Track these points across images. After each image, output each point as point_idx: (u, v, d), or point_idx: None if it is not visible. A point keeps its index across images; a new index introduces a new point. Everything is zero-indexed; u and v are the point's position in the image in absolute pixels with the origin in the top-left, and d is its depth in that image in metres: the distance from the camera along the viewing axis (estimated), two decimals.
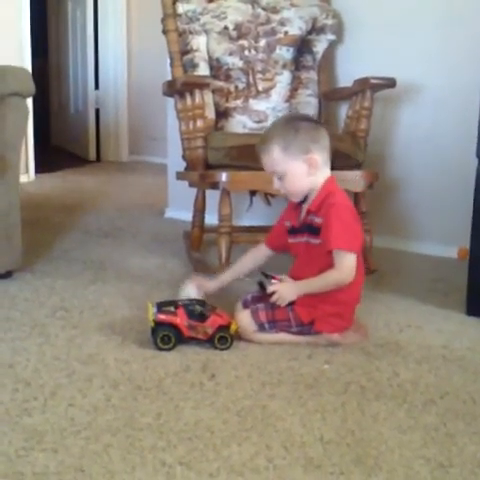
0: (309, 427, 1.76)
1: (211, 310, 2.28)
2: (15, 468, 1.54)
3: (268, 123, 3.23)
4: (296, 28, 3.30)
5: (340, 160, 2.81)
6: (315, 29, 3.34)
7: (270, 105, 3.28)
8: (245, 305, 2.38)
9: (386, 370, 2.11)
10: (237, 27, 3.27)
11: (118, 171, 6.07)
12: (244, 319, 2.28)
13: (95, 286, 2.83)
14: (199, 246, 3.23)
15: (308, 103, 3.35)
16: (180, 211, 3.97)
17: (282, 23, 3.29)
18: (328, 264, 2.20)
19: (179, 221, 3.88)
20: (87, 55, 6.21)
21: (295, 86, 3.35)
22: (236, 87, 3.27)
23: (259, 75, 3.29)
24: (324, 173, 2.26)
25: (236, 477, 1.54)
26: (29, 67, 4.79)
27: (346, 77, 3.35)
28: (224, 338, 2.24)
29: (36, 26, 5.24)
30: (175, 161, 3.59)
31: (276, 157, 2.22)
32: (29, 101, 2.99)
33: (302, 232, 2.30)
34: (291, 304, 2.25)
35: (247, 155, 2.80)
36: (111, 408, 1.83)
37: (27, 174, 5.17)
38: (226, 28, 3.26)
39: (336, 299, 2.24)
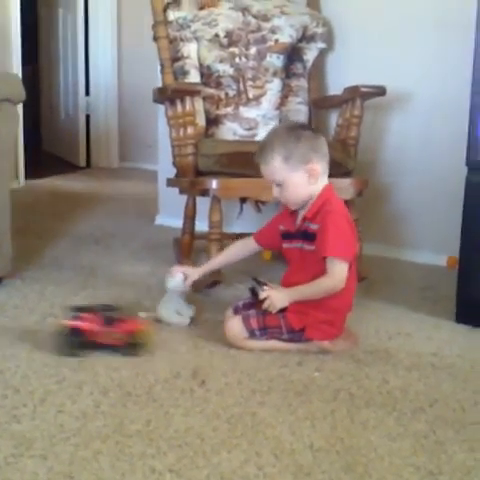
0: (299, 434, 1.76)
1: (123, 316, 2.26)
2: (4, 475, 1.54)
3: (258, 130, 3.25)
4: (287, 36, 3.31)
5: (330, 168, 2.81)
6: (305, 37, 3.35)
7: (260, 112, 3.29)
8: (236, 311, 2.38)
9: (376, 377, 2.12)
10: (228, 34, 3.28)
11: (108, 177, 6.06)
12: (235, 326, 2.28)
13: (85, 292, 2.82)
14: (189, 253, 3.22)
15: (298, 111, 3.35)
16: (170, 218, 3.97)
17: (273, 31, 3.30)
18: (321, 271, 2.20)
19: (169, 228, 3.87)
20: (78, 61, 6.21)
21: (285, 94, 3.36)
22: (227, 94, 3.28)
23: (250, 82, 3.29)
24: (323, 181, 2.27)
25: None
26: (19, 73, 4.78)
27: (336, 85, 3.35)
28: (135, 345, 2.22)
29: (27, 32, 5.24)
30: (166, 168, 3.59)
31: (277, 166, 2.22)
32: (19, 107, 2.98)
33: (297, 238, 2.30)
34: (282, 311, 2.25)
35: (237, 162, 2.81)
36: (101, 415, 1.83)
37: (17, 180, 5.16)
38: (217, 35, 3.27)
39: (328, 306, 2.24)
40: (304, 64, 3.38)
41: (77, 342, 2.18)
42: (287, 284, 2.31)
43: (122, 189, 5.49)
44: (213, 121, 3.25)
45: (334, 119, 3.31)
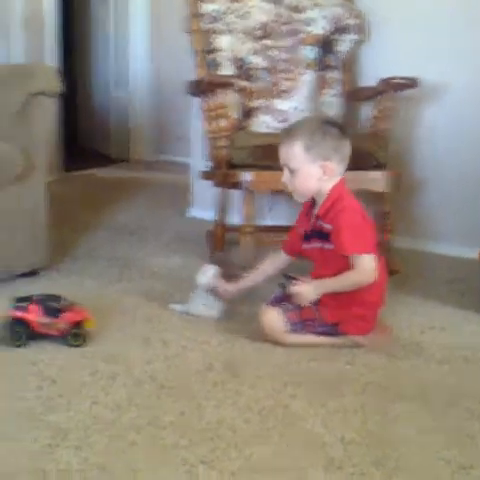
0: (330, 427, 1.77)
1: (67, 306, 2.26)
2: (39, 465, 1.57)
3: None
4: (320, 28, 3.30)
5: (363, 160, 2.82)
6: (339, 29, 3.34)
7: (294, 105, 3.28)
8: (272, 305, 2.38)
9: (407, 371, 2.12)
10: (261, 27, 3.28)
11: (143, 170, 6.09)
12: (275, 318, 2.27)
13: (119, 284, 2.85)
14: (222, 246, 3.24)
15: (331, 103, 3.35)
16: (203, 210, 3.98)
17: (306, 23, 3.29)
18: (345, 266, 2.20)
19: (202, 220, 3.89)
20: (113, 54, 6.24)
21: (319, 86, 3.35)
22: (260, 87, 3.28)
23: (283, 75, 3.29)
24: (334, 181, 2.27)
25: (257, 476, 1.56)
26: (55, 66, 4.81)
27: (370, 77, 3.34)
28: (77, 335, 2.22)
29: (62, 26, 5.27)
30: (198, 160, 3.60)
31: (296, 153, 2.22)
32: (56, 100, 3.01)
33: (314, 238, 2.31)
34: (317, 304, 2.26)
35: (271, 155, 2.80)
36: (134, 406, 1.85)
37: (53, 172, 5.21)
38: (250, 28, 3.27)
39: (362, 300, 2.24)
40: (337, 56, 3.36)
41: (19, 332, 2.20)
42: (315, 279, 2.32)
43: (156, 181, 5.51)
44: (246, 114, 3.25)
45: (367, 111, 3.29)
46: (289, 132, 2.28)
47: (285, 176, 2.28)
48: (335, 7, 3.34)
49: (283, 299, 2.34)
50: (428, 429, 1.78)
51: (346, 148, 2.26)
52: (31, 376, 2.01)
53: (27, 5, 4.63)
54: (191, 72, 3.45)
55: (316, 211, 2.28)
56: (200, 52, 3.26)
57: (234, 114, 3.14)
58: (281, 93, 3.27)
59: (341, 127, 2.29)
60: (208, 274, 2.51)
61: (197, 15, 3.25)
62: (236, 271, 2.63)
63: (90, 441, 1.68)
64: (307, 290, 2.24)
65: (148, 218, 4.12)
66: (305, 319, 2.27)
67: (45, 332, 2.22)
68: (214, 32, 3.25)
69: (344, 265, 2.21)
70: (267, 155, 2.83)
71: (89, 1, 6.39)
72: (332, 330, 2.27)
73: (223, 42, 3.26)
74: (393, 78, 3.00)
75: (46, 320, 2.21)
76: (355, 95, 3.42)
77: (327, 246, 2.25)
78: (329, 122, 2.33)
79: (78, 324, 2.22)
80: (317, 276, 2.31)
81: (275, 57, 3.28)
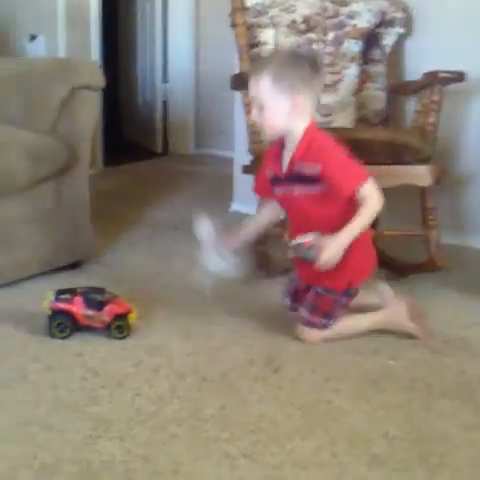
0: (374, 423, 1.75)
1: (110, 298, 2.26)
2: (83, 456, 1.58)
3: (335, 117, 3.22)
4: (365, 21, 3.27)
5: (408, 154, 2.79)
6: (384, 22, 3.31)
7: (337, 98, 3.26)
8: (292, 309, 2.36)
9: (452, 367, 2.10)
10: (305, 20, 3.26)
11: (185, 164, 6.10)
12: (311, 336, 2.24)
13: (162, 278, 2.86)
14: (264, 240, 3.22)
15: (376, 97, 3.32)
16: (246, 204, 3.97)
17: (351, 16, 3.27)
18: (337, 209, 2.15)
19: (245, 214, 3.88)
20: (155, 48, 6.26)
21: (363, 79, 3.32)
22: None
23: (326, 68, 3.26)
24: (306, 120, 2.17)
25: (299, 471, 1.55)
26: (99, 60, 4.85)
27: (415, 70, 3.30)
28: (121, 327, 2.23)
29: (106, 19, 5.30)
30: (241, 155, 3.60)
31: (264, 85, 2.12)
32: (99, 94, 3.03)
33: (290, 182, 2.21)
34: (321, 287, 2.22)
35: None
36: (177, 399, 1.86)
37: (96, 166, 5.24)
38: (294, 21, 3.25)
39: (355, 243, 2.15)
40: (382, 49, 3.33)
41: (63, 324, 2.22)
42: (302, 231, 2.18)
43: (198, 176, 5.52)
44: None
45: (412, 105, 3.26)
46: (258, 64, 2.21)
47: (254, 113, 2.18)
48: (381, 0, 3.31)
49: (297, 293, 2.32)
50: (472, 425, 1.76)
51: (318, 83, 2.19)
52: (75, 367, 2.02)
53: (73, 2, 4.67)
54: (234, 66, 3.45)
55: (291, 154, 2.19)
56: (244, 46, 3.25)
57: None
58: (325, 87, 3.25)
59: (314, 60, 2.19)
60: (205, 226, 2.35)
61: (241, 9, 3.24)
62: (279, 265, 2.61)
63: (132, 433, 1.69)
64: (331, 251, 2.09)
65: (188, 212, 4.12)
66: (327, 309, 2.23)
67: (89, 324, 2.24)
68: (258, 26, 3.24)
69: (339, 208, 2.14)
70: None
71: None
72: (352, 292, 2.25)
73: (267, 36, 3.24)
74: (438, 72, 2.96)
75: (90, 312, 2.23)
76: (399, 89, 3.38)
77: (310, 190, 2.16)
78: (301, 55, 2.23)
79: (121, 316, 2.23)
80: (304, 226, 2.18)
81: (319, 51, 3.26)
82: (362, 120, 3.26)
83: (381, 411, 1.82)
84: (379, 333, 2.28)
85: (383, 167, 2.74)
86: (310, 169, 2.14)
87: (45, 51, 4.58)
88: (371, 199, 2.11)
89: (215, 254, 2.33)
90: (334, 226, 2.11)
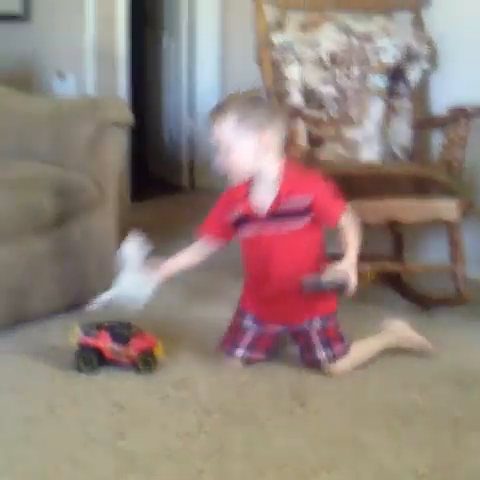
0: (402, 459, 1.74)
1: (136, 333, 2.26)
2: None
3: (361, 151, 3.23)
4: (390, 56, 3.29)
5: (434, 188, 2.79)
6: (409, 57, 3.32)
7: (363, 133, 3.27)
8: (248, 360, 2.30)
9: None
10: (331, 56, 3.28)
11: (211, 199, 6.13)
12: (340, 369, 2.23)
13: (187, 312, 2.85)
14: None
15: (401, 131, 3.32)
16: None
17: (376, 52, 3.29)
18: (318, 243, 2.22)
19: None
20: (182, 85, 6.32)
21: (388, 114, 3.33)
22: (329, 115, 3.28)
23: (352, 103, 3.28)
24: (276, 157, 2.17)
25: None
26: (127, 97, 4.90)
27: (441, 105, 3.30)
28: (147, 361, 2.23)
29: (134, 58, 5.37)
30: None
31: (228, 128, 2.12)
32: (127, 131, 3.06)
33: (273, 221, 2.18)
34: (320, 318, 2.22)
35: (341, 183, 2.80)
36: (203, 434, 1.85)
37: (123, 202, 5.27)
38: (320, 57, 3.27)
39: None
40: (408, 84, 3.34)
41: (90, 359, 2.22)
42: (283, 279, 2.18)
43: None
44: (315, 142, 3.25)
45: (438, 140, 3.26)
46: (217, 109, 2.19)
47: (219, 157, 2.18)
48: (407, 36, 3.33)
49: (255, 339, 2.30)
50: None
51: (280, 120, 2.18)
52: (102, 402, 2.03)
53: (100, 39, 4.73)
54: None
55: (272, 193, 2.16)
56: (270, 82, 3.27)
57: (302, 142, 3.13)
58: (350, 121, 3.27)
59: (270, 101, 2.24)
60: (133, 244, 2.34)
61: (267, 45, 3.27)
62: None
63: (159, 468, 1.68)
64: (351, 271, 2.09)
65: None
66: (336, 336, 2.25)
67: (115, 359, 2.24)
68: (284, 62, 3.26)
69: (316, 241, 2.22)
70: (336, 183, 2.82)
71: (161, 35, 6.50)
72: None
73: (293, 72, 3.27)
74: (464, 106, 2.96)
75: (116, 347, 2.23)
76: (425, 123, 3.39)
77: (293, 224, 2.16)
78: (258, 96, 2.27)
79: (147, 351, 2.24)
80: (285, 267, 2.19)
81: (344, 86, 3.28)
82: (388, 155, 3.26)
83: (409, 447, 1.80)
84: (407, 368, 2.27)
85: (409, 201, 2.74)
86: (300, 202, 2.15)
87: (74, 89, 4.63)
88: (352, 223, 2.18)
89: (131, 280, 2.28)
90: (309, 260, 2.19)
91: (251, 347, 2.30)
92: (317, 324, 2.23)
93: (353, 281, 2.07)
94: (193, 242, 2.42)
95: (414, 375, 2.24)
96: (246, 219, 2.23)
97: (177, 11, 5.97)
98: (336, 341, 2.24)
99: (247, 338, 2.30)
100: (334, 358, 2.22)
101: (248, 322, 2.32)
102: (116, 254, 2.32)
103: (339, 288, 2.08)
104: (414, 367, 2.28)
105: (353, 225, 2.17)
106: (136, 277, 2.28)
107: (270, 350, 2.33)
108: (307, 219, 2.17)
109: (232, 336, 2.34)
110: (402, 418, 1.96)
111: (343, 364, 2.23)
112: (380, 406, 2.03)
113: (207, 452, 1.76)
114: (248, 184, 2.22)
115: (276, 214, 2.17)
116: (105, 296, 2.31)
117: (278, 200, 2.16)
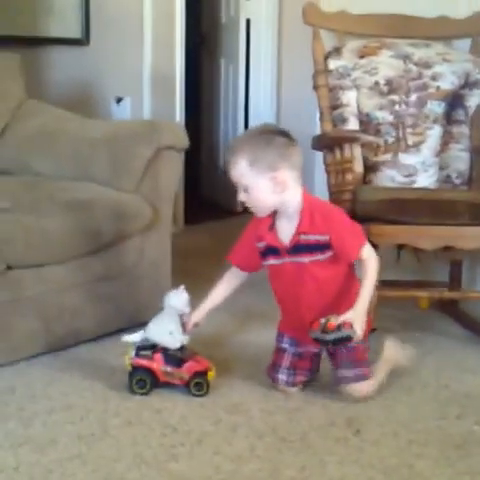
0: None
1: (189, 355, 2.26)
2: None
3: (418, 177, 3.21)
4: (448, 83, 3.27)
5: None
6: (468, 84, 3.30)
7: (420, 159, 3.25)
8: (290, 384, 2.30)
9: None
10: (388, 82, 3.27)
11: None
12: (365, 390, 2.22)
13: (242, 335, 2.85)
14: None
15: (459, 157, 3.29)
16: None
17: (434, 78, 3.27)
18: (346, 272, 2.21)
19: None
20: (237, 109, 6.36)
21: (446, 140, 3.31)
22: (386, 141, 3.26)
23: (409, 129, 3.26)
24: (296, 191, 2.18)
25: None
26: (183, 122, 4.94)
27: None
28: (200, 384, 2.22)
29: (190, 82, 5.42)
30: None
31: (242, 170, 2.14)
32: (182, 155, 3.08)
33: (295, 253, 2.19)
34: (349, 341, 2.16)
35: (396, 209, 2.79)
36: (256, 458, 1.84)
37: (177, 224, 5.30)
38: (377, 83, 3.27)
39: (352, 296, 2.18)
40: (466, 111, 3.32)
41: (143, 381, 2.22)
42: (312, 308, 2.21)
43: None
44: (371, 168, 3.24)
45: None
46: (230, 151, 2.20)
47: (241, 195, 2.19)
48: (465, 62, 3.31)
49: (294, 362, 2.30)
50: None
51: (295, 154, 2.18)
52: (154, 424, 2.03)
53: (157, 63, 4.79)
54: (314, 127, 3.48)
55: (293, 225, 2.18)
56: (326, 107, 3.27)
57: (359, 168, 3.13)
58: (407, 148, 3.25)
59: (286, 134, 2.20)
60: (182, 297, 2.38)
61: (324, 71, 3.27)
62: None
63: None
64: (362, 322, 2.12)
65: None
66: (364, 358, 2.23)
67: (168, 381, 2.25)
68: (341, 88, 3.26)
69: (345, 272, 2.21)
70: (392, 209, 2.80)
71: (218, 60, 6.55)
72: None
73: (349, 97, 3.26)
74: None
75: (169, 369, 2.24)
76: None
77: (318, 258, 2.17)
78: (271, 130, 2.25)
79: (200, 374, 2.24)
80: (312, 304, 2.21)
81: (402, 112, 3.26)
82: (445, 181, 3.24)
83: (466, 477, 1.77)
84: (462, 397, 2.23)
85: (467, 228, 2.71)
86: (318, 239, 2.16)
87: (131, 113, 4.69)
88: (371, 260, 2.18)
89: (172, 326, 2.31)
90: (336, 289, 2.21)
91: (291, 369, 2.30)
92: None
93: (358, 332, 2.10)
94: (224, 272, 2.45)
95: (471, 406, 2.20)
96: (271, 250, 2.25)
97: (235, 36, 6.02)
98: (363, 363, 2.22)
99: (286, 360, 2.31)
100: (359, 378, 2.21)
101: (285, 344, 2.33)
102: (161, 300, 2.37)
103: (343, 341, 2.11)
104: (470, 396, 2.24)
105: (371, 261, 2.17)
106: (177, 326, 2.31)
107: (312, 370, 2.33)
108: (329, 253, 2.18)
109: (273, 359, 2.35)
110: (459, 448, 1.92)
111: (367, 385, 2.22)
112: (436, 436, 2.00)
113: (259, 477, 1.75)
114: (272, 215, 2.24)
115: (298, 246, 2.19)
116: (135, 336, 2.34)
117: (298, 233, 2.18)
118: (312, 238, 2.17)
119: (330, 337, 2.10)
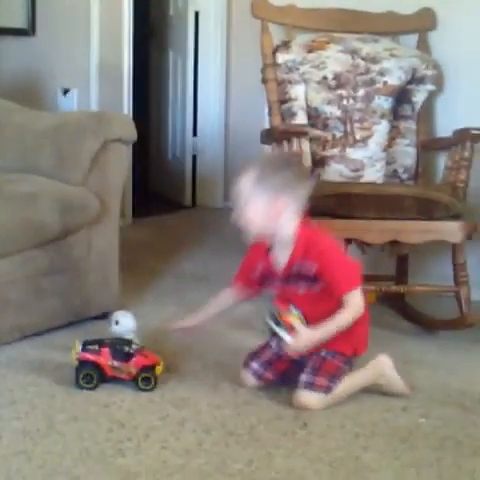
0: None
1: (138, 350, 2.26)
2: None
3: (365, 172, 3.23)
4: (396, 78, 3.29)
5: (439, 210, 2.79)
6: (415, 79, 3.33)
7: (367, 154, 3.27)
8: (256, 375, 2.30)
9: None
10: (336, 77, 3.29)
11: (213, 217, 6.13)
12: (313, 402, 2.14)
13: (213, 337, 2.83)
14: None
15: (405, 153, 3.32)
16: None
17: (381, 73, 3.29)
18: (335, 302, 2.17)
19: None
20: (186, 102, 6.33)
21: (393, 136, 3.33)
22: (333, 136, 3.28)
23: (357, 124, 3.28)
24: (291, 222, 2.19)
25: None
26: (130, 114, 4.90)
27: (445, 127, 3.31)
28: (148, 379, 2.22)
29: (138, 74, 5.38)
30: None
31: (248, 183, 2.15)
32: (130, 147, 3.06)
33: (288, 282, 2.23)
34: (327, 351, 2.19)
35: (343, 204, 2.80)
36: (203, 452, 1.84)
37: (125, 218, 5.27)
38: (325, 78, 3.28)
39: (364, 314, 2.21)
40: (413, 106, 3.35)
41: (90, 375, 2.21)
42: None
43: (225, 228, 5.54)
44: (319, 162, 3.25)
45: (442, 161, 3.26)
46: (249, 163, 2.23)
47: (235, 211, 2.19)
48: (412, 58, 3.34)
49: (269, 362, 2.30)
50: None
51: (302, 188, 2.19)
52: (101, 419, 2.01)
53: (104, 55, 4.74)
54: (263, 121, 3.48)
55: (286, 254, 2.20)
56: (275, 102, 3.28)
57: (307, 162, 3.14)
58: (355, 142, 3.27)
59: (300, 168, 2.23)
60: (128, 321, 2.42)
61: (273, 65, 3.28)
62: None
63: None
64: (304, 342, 2.15)
65: (217, 264, 4.12)
66: (330, 372, 2.18)
67: (115, 375, 2.23)
68: (289, 82, 3.27)
69: (333, 302, 2.18)
70: (339, 204, 2.82)
71: (166, 52, 6.52)
72: (353, 362, 2.25)
73: (298, 92, 3.27)
74: (469, 129, 2.97)
75: (116, 363, 2.22)
76: (430, 145, 3.39)
77: (313, 288, 2.20)
78: (291, 161, 2.28)
79: (148, 368, 2.23)
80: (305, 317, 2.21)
81: (349, 107, 3.28)
82: (392, 176, 3.27)
83: (411, 469, 1.79)
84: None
85: (413, 223, 2.74)
86: (308, 268, 2.17)
87: (77, 105, 4.64)
88: (354, 306, 2.17)
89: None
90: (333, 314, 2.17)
91: (266, 364, 2.30)
92: (322, 353, 2.21)
93: (293, 346, 2.15)
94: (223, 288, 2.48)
95: (416, 399, 2.22)
96: (268, 275, 2.28)
97: (184, 28, 5.99)
98: (325, 374, 2.17)
99: (267, 355, 2.31)
100: (312, 387, 2.15)
101: (273, 342, 2.32)
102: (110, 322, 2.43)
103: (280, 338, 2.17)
104: (416, 388, 2.26)
105: (352, 308, 2.16)
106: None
107: (284, 376, 2.30)
108: (321, 284, 2.19)
109: (256, 349, 2.35)
110: (404, 441, 1.94)
111: (317, 398, 2.14)
112: (382, 429, 2.02)
113: (207, 471, 1.75)
114: (267, 242, 2.26)
115: (291, 274, 2.21)
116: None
117: (291, 261, 2.20)
118: (304, 268, 2.18)
119: (272, 325, 2.18)
